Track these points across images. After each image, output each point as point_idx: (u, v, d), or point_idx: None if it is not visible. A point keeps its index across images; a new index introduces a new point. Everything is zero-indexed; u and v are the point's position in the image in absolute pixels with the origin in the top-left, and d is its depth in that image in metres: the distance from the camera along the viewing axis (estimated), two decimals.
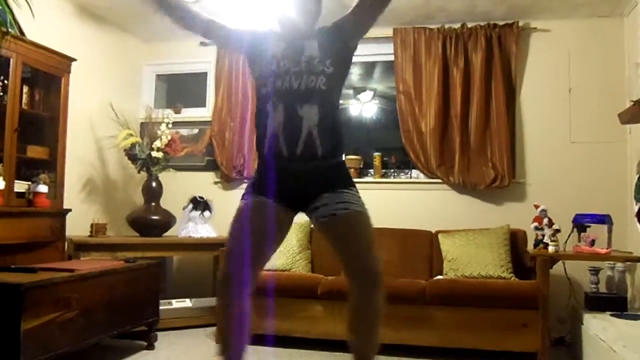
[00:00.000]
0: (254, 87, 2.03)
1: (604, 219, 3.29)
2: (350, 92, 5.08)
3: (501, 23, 4.08)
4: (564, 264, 3.56)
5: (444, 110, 4.12)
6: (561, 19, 4.06)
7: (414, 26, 4.23)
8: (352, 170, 4.30)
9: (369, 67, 4.90)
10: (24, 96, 3.34)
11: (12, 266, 2.81)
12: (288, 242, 3.80)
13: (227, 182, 4.57)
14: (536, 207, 3.50)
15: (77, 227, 3.78)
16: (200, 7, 3.95)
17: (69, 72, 3.56)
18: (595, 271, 3.46)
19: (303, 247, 3.88)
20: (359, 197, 1.92)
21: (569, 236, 3.39)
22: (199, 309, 3.91)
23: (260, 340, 3.29)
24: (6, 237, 3.01)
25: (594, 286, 3.44)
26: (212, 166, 4.65)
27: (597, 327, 2.87)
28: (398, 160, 4.42)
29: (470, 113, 4.08)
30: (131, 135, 4.14)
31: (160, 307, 3.49)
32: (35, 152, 3.41)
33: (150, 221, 4.10)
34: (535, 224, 3.45)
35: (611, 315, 3.07)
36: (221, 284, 1.87)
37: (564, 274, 3.60)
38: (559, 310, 3.65)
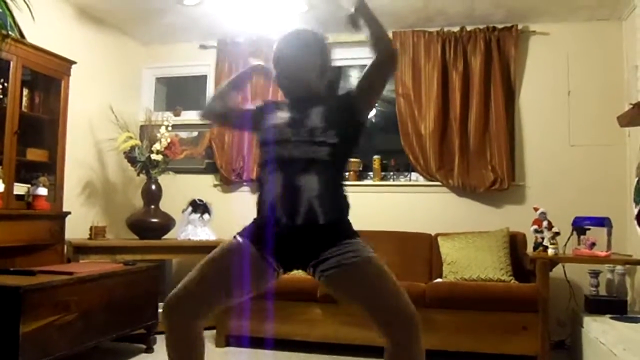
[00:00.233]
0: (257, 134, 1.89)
1: (603, 222, 3.28)
2: None
3: (500, 26, 4.09)
4: (563, 266, 3.56)
5: (443, 113, 4.12)
6: (560, 22, 4.07)
7: (413, 29, 4.24)
8: (351, 173, 4.30)
9: None
10: (24, 99, 3.34)
11: (11, 269, 2.82)
12: None
13: (227, 184, 4.57)
14: (536, 209, 3.50)
15: (76, 229, 3.78)
16: (201, 10, 4.00)
17: (68, 74, 3.56)
18: (595, 274, 3.46)
19: None
20: (366, 245, 1.73)
21: (568, 239, 3.39)
22: None
23: (259, 343, 3.29)
24: (5, 239, 3.00)
25: (593, 289, 3.44)
26: (211, 169, 4.65)
27: (597, 330, 2.87)
28: (397, 163, 4.42)
29: (470, 116, 4.09)
30: (131, 138, 4.13)
31: (159, 310, 3.48)
32: (34, 154, 3.41)
33: (150, 224, 4.10)
34: (535, 226, 3.45)
35: (611, 318, 3.07)
36: (170, 308, 1.67)
37: (564, 276, 3.60)
38: (558, 313, 3.65)
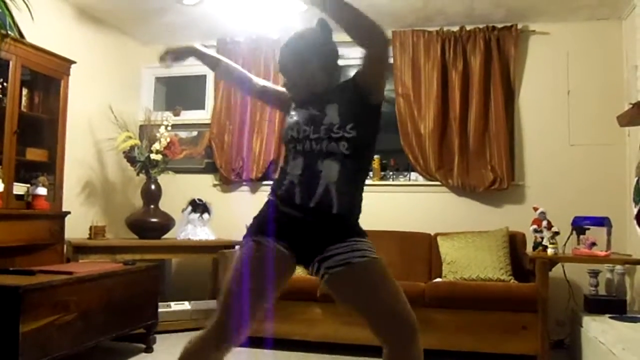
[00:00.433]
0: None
1: (603, 222, 3.29)
2: None
3: (500, 26, 4.09)
4: (563, 266, 3.56)
5: (442, 112, 4.12)
6: (560, 21, 4.07)
7: (413, 29, 4.24)
8: None
9: None
10: (24, 99, 3.34)
11: (11, 268, 2.81)
12: None
13: (226, 184, 4.57)
14: (535, 209, 3.50)
15: (76, 229, 3.78)
16: (201, 10, 4.00)
17: (68, 74, 3.56)
18: (595, 274, 3.46)
19: None
20: (373, 246, 1.72)
21: (568, 239, 3.39)
22: (197, 312, 3.90)
23: (258, 342, 3.28)
24: (5, 239, 3.00)
25: (593, 289, 3.44)
26: (211, 169, 4.65)
27: (597, 329, 2.87)
28: (397, 162, 4.42)
29: (469, 116, 4.09)
30: (130, 137, 4.14)
31: (159, 310, 3.49)
32: (34, 154, 3.41)
33: (149, 224, 4.10)
34: (535, 226, 3.45)
35: (610, 317, 3.07)
36: (213, 334, 1.69)
37: (563, 276, 3.60)
38: (558, 313, 3.65)
